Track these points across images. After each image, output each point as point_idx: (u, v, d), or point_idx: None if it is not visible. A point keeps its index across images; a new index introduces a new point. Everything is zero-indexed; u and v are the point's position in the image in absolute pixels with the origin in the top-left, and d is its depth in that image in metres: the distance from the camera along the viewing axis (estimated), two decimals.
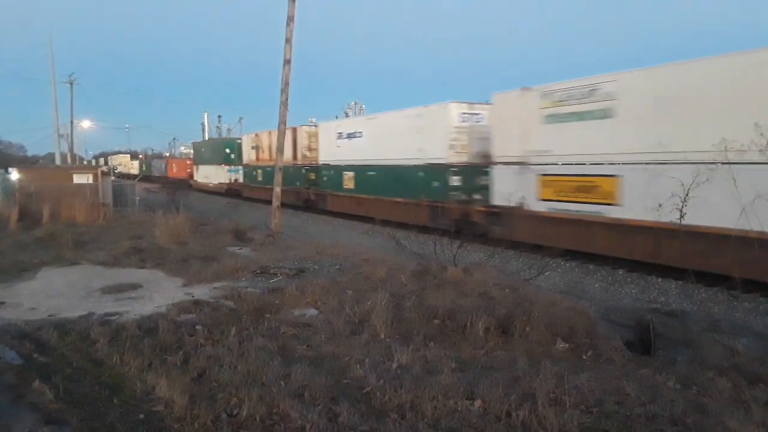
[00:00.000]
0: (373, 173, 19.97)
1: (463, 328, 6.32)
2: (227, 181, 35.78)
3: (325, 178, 23.40)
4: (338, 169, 22.17)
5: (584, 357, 5.78)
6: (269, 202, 24.53)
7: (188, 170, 45.94)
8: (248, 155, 32.53)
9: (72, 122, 43.94)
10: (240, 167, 34.45)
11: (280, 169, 15.87)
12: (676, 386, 4.80)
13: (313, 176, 24.99)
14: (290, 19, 14.63)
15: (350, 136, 21.58)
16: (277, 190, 15.63)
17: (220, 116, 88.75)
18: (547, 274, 10.59)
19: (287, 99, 15.27)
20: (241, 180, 34.21)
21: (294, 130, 26.45)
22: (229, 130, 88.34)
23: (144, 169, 68.02)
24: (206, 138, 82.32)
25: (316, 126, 26.50)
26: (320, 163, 23.98)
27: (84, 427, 4.02)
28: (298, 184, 25.90)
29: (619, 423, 4.08)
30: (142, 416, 4.22)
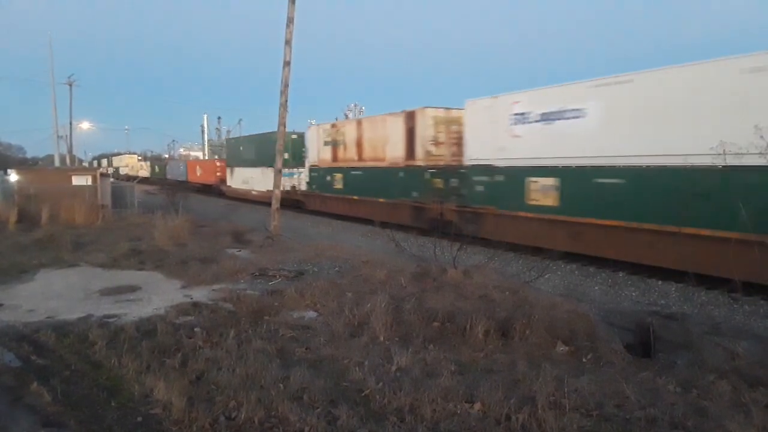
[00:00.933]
0: (616, 181, 11.15)
1: (463, 330, 6.31)
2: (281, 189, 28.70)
3: (479, 188, 14.72)
4: (514, 174, 13.55)
5: (584, 360, 5.76)
6: (354, 220, 20.86)
7: (218, 174, 37.10)
8: (318, 154, 24.05)
9: (71, 124, 43.84)
10: (300, 170, 26.56)
11: (279, 171, 15.87)
12: (676, 389, 4.79)
13: (440, 183, 16.59)
14: (290, 20, 14.64)
15: (548, 118, 12.69)
16: (277, 192, 15.63)
17: (219, 118, 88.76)
18: (547, 276, 10.58)
19: (287, 101, 15.26)
20: (302, 187, 26.07)
21: (411, 116, 17.84)
22: (228, 131, 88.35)
23: (157, 171, 59.90)
24: (206, 140, 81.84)
25: (447, 108, 17.50)
26: (468, 163, 15.18)
27: (82, 430, 4.00)
28: (415, 194, 17.43)
29: (619, 426, 4.07)
30: (140, 419, 4.21)
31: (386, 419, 4.16)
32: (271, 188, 24.48)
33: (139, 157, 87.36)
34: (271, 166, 25.56)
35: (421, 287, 8.26)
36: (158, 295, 8.18)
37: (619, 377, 4.97)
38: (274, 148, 25.36)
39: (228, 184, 34.38)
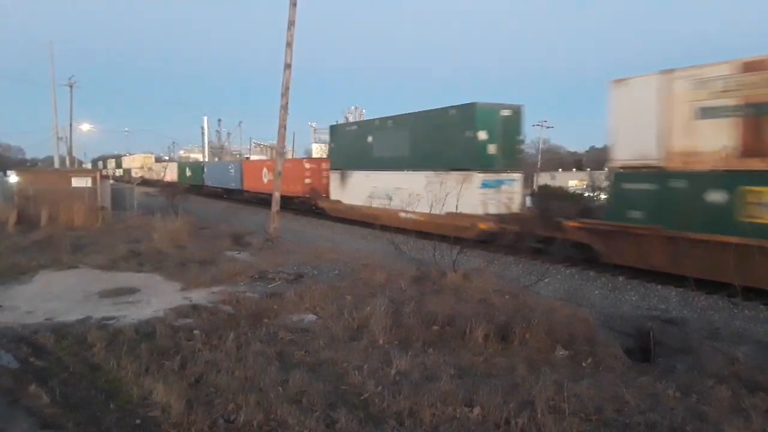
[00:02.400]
0: None
1: (463, 334, 6.30)
2: (479, 211, 14.69)
3: None
4: None
5: (584, 364, 5.76)
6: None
7: (307, 181, 25.16)
8: (664, 139, 10.30)
9: (71, 125, 43.85)
10: (513, 177, 15.40)
11: (279, 173, 15.86)
12: (675, 394, 4.79)
13: None
14: (291, 23, 14.69)
15: None
16: (277, 195, 15.63)
17: (220, 120, 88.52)
18: (546, 280, 10.57)
19: (287, 103, 15.30)
20: (518, 205, 15.25)
21: None
22: (228, 134, 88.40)
23: (189, 175, 45.05)
24: (206, 142, 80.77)
25: None
26: None
27: None
28: None
29: (619, 431, 4.07)
30: (138, 421, 4.20)
31: (385, 423, 4.15)
32: (454, 209, 14.25)
33: (156, 156, 74.66)
34: (450, 168, 15.40)
35: (420, 291, 8.26)
36: (157, 298, 8.17)
37: (619, 382, 4.97)
38: (458, 136, 15.15)
39: (334, 197, 22.27)
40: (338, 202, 21.80)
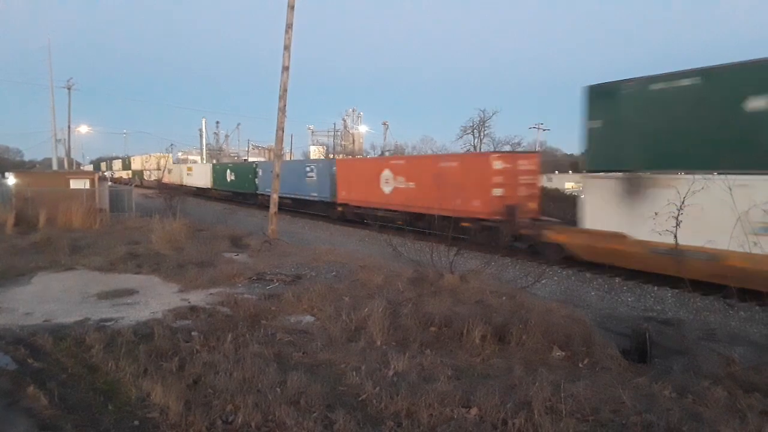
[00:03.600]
0: None
1: (460, 335, 6.33)
2: None
3: None
4: None
5: (580, 365, 5.79)
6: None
7: (494, 190, 14.85)
8: None
9: (69, 127, 43.83)
10: None
11: (277, 175, 15.90)
12: (671, 395, 4.81)
13: None
14: (289, 26, 14.73)
15: None
16: (275, 196, 15.66)
17: (218, 122, 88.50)
18: (543, 282, 10.60)
19: (285, 105, 15.33)
20: None
21: None
22: (227, 136, 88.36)
23: (232, 179, 33.71)
24: (204, 144, 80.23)
25: None
26: None
27: None
28: None
29: (615, 431, 4.09)
30: (136, 423, 4.21)
31: (383, 424, 4.17)
32: None
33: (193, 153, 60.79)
34: None
35: (418, 292, 8.27)
36: (155, 299, 8.17)
37: (615, 382, 4.99)
38: None
39: (597, 225, 11.61)
40: (618, 237, 10.95)
